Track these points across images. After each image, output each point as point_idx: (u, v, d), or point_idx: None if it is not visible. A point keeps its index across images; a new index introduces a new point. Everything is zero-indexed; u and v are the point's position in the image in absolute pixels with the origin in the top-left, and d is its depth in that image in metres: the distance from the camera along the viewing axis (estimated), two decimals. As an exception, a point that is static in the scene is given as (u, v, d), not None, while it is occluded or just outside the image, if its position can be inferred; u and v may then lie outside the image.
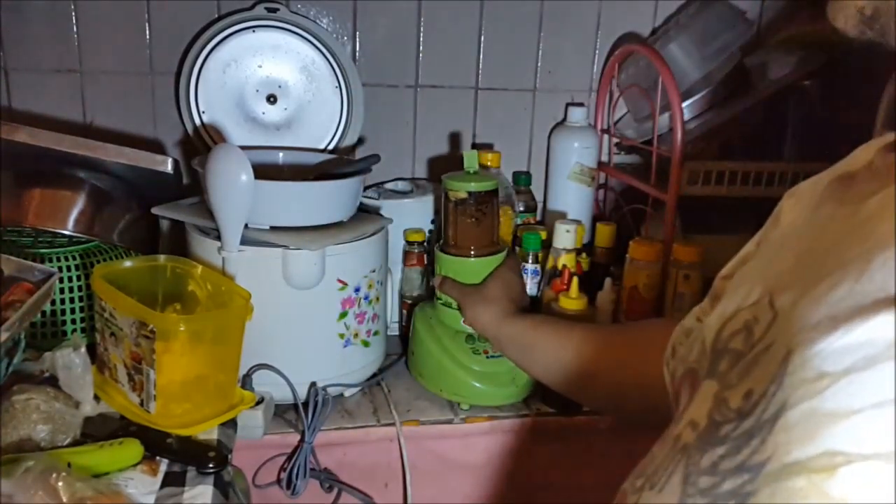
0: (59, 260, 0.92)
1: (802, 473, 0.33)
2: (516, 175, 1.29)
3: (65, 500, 0.58)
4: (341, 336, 0.94)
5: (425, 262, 1.10)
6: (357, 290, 0.94)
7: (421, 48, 1.26)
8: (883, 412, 0.31)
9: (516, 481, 0.98)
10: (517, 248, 1.11)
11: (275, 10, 1.15)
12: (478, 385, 0.95)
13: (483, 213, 0.94)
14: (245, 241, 0.89)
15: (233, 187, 0.86)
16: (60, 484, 0.59)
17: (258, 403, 0.86)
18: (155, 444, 0.74)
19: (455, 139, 1.31)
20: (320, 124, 1.19)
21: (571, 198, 1.27)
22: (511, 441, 0.97)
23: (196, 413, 0.80)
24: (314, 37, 1.16)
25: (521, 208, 1.23)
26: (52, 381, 0.78)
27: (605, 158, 1.32)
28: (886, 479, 0.30)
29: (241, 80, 1.15)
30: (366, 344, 0.97)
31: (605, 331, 0.85)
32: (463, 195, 0.94)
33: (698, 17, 1.20)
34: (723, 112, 1.15)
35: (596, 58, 1.32)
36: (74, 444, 0.73)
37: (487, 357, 0.96)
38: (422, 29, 1.25)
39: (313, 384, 0.92)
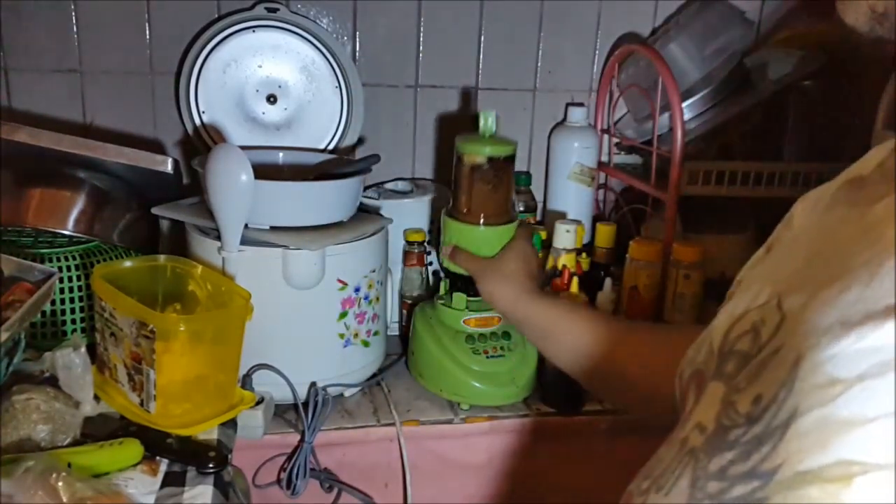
0: (59, 260, 0.92)
1: (816, 482, 0.32)
2: (516, 175, 1.29)
3: (65, 500, 0.58)
4: (341, 336, 0.94)
5: (425, 262, 1.10)
6: (357, 290, 0.94)
7: (421, 48, 1.26)
8: None
9: (516, 481, 0.98)
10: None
11: (275, 10, 1.15)
12: (478, 385, 0.95)
13: (500, 179, 0.90)
14: (245, 241, 0.89)
15: (233, 187, 0.86)
16: (60, 484, 0.59)
17: (258, 403, 0.86)
18: (155, 444, 0.74)
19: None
20: (320, 124, 1.19)
21: (571, 198, 1.27)
22: (511, 441, 0.97)
23: (196, 413, 0.80)
24: (314, 37, 1.16)
25: (521, 208, 1.23)
26: (52, 381, 0.78)
27: (605, 158, 1.32)
28: None
29: (241, 80, 1.15)
30: (366, 344, 0.97)
31: (642, 329, 0.81)
32: (480, 160, 0.88)
33: (698, 17, 1.20)
34: (723, 112, 1.15)
35: (596, 58, 1.32)
36: (74, 444, 0.73)
37: (487, 357, 0.96)
38: (422, 29, 1.25)
39: (313, 384, 0.92)
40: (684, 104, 1.11)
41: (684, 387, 0.49)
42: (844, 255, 0.38)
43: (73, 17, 1.14)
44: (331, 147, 1.19)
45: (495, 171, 0.89)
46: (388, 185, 1.20)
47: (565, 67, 1.32)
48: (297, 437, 0.91)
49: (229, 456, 0.77)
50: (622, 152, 1.33)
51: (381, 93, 1.26)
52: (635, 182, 1.21)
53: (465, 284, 0.95)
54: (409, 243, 1.09)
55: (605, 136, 1.31)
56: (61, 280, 0.91)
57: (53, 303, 0.91)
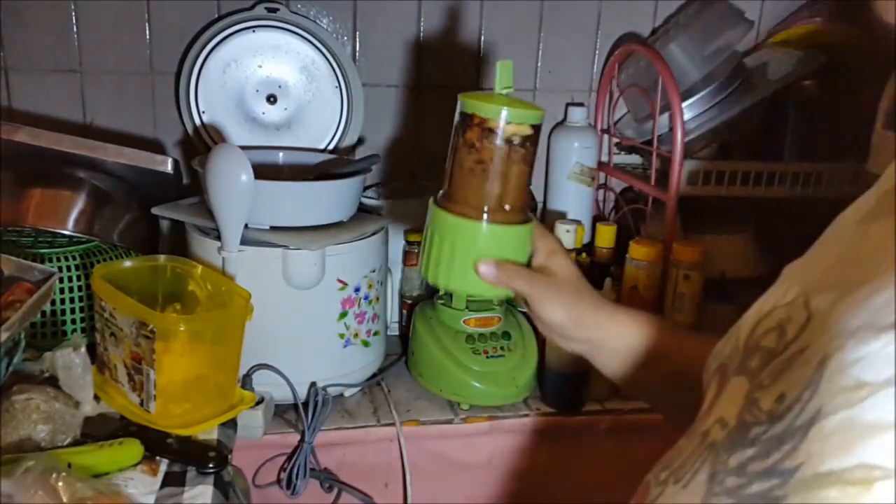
0: (59, 260, 0.92)
1: (836, 484, 0.32)
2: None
3: (65, 500, 0.58)
4: (341, 336, 0.94)
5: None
6: (357, 290, 0.94)
7: (421, 48, 1.26)
8: None
9: (516, 481, 0.98)
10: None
11: (275, 10, 1.15)
12: (478, 385, 0.95)
13: (526, 157, 0.64)
14: (245, 241, 0.89)
15: (233, 187, 0.86)
16: (60, 484, 0.59)
17: (258, 403, 0.86)
18: (155, 444, 0.74)
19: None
20: (320, 124, 1.19)
21: (571, 198, 1.27)
22: (511, 441, 0.97)
23: (196, 413, 0.80)
24: (314, 37, 1.16)
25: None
26: (52, 381, 0.78)
27: (605, 158, 1.32)
28: None
29: (241, 80, 1.15)
30: (366, 344, 0.97)
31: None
32: (511, 129, 0.62)
33: (698, 17, 1.20)
34: (723, 112, 1.15)
35: (596, 58, 1.32)
36: (74, 444, 0.73)
37: (487, 357, 0.96)
38: (422, 29, 1.25)
39: (313, 384, 0.92)
40: (684, 104, 1.11)
41: (708, 380, 0.49)
42: (875, 259, 0.38)
43: (73, 17, 1.14)
44: (331, 147, 1.19)
45: (524, 146, 0.63)
46: (388, 185, 1.20)
47: (565, 67, 1.32)
48: (297, 437, 0.91)
49: (229, 456, 0.77)
50: (622, 152, 1.33)
51: (381, 93, 1.26)
52: (635, 182, 1.21)
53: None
54: (409, 243, 1.09)
55: (605, 136, 1.31)
56: (61, 280, 0.91)
57: (53, 303, 0.91)
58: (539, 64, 1.31)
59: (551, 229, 1.06)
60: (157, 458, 0.74)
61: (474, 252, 0.64)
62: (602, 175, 1.33)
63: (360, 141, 1.23)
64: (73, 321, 0.93)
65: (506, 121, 0.62)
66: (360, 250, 0.94)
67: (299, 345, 0.92)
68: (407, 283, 1.10)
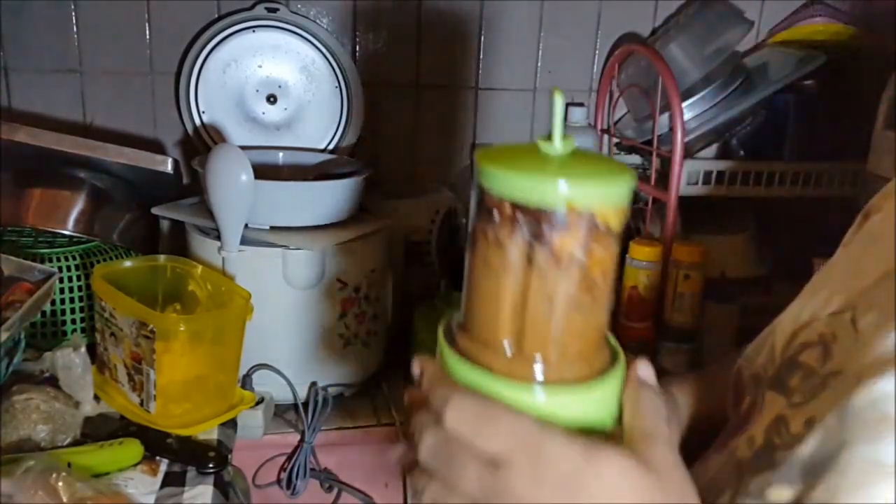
0: (59, 260, 0.92)
1: None
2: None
3: (65, 500, 0.58)
4: (341, 336, 0.94)
5: (424, 262, 1.10)
6: (357, 290, 0.94)
7: (421, 48, 1.26)
8: None
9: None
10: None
11: (275, 10, 1.15)
12: (478, 385, 0.94)
13: (605, 263, 0.37)
14: (245, 241, 0.89)
15: (233, 187, 0.86)
16: (60, 484, 0.59)
17: (258, 403, 0.86)
18: (155, 444, 0.74)
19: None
20: (320, 124, 1.19)
21: (571, 198, 1.27)
22: (511, 441, 0.97)
23: (196, 413, 0.80)
24: (314, 37, 1.16)
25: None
26: (52, 381, 0.78)
27: (605, 158, 1.32)
28: None
29: (241, 80, 1.15)
30: (366, 344, 0.97)
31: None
32: (563, 216, 0.35)
33: (698, 17, 1.20)
34: (723, 112, 1.15)
35: (596, 58, 1.32)
36: (74, 444, 0.73)
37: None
38: (422, 29, 1.25)
39: (313, 384, 0.92)
40: (684, 104, 1.11)
41: (741, 386, 0.45)
42: None
43: (73, 17, 1.14)
44: (331, 147, 1.19)
45: (608, 242, 0.37)
46: (388, 185, 1.20)
47: (565, 67, 1.32)
48: (297, 437, 0.91)
49: (229, 456, 0.77)
50: (622, 152, 1.33)
51: (381, 93, 1.26)
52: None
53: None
54: (409, 243, 1.09)
55: (605, 136, 1.31)
56: (61, 280, 0.91)
57: (53, 303, 0.91)
58: (539, 64, 1.31)
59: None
60: (157, 458, 0.74)
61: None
62: (602, 175, 1.32)
63: (360, 141, 1.23)
64: (73, 321, 0.93)
65: (588, 207, 0.35)
66: (360, 250, 0.94)
67: (299, 345, 0.92)
68: (407, 283, 1.10)
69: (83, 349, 0.79)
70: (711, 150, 1.22)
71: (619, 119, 1.31)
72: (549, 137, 0.37)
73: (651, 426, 0.38)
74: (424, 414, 0.37)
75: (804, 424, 0.35)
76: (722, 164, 1.11)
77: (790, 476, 0.35)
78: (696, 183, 1.10)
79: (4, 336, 0.71)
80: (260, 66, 1.16)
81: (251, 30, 1.14)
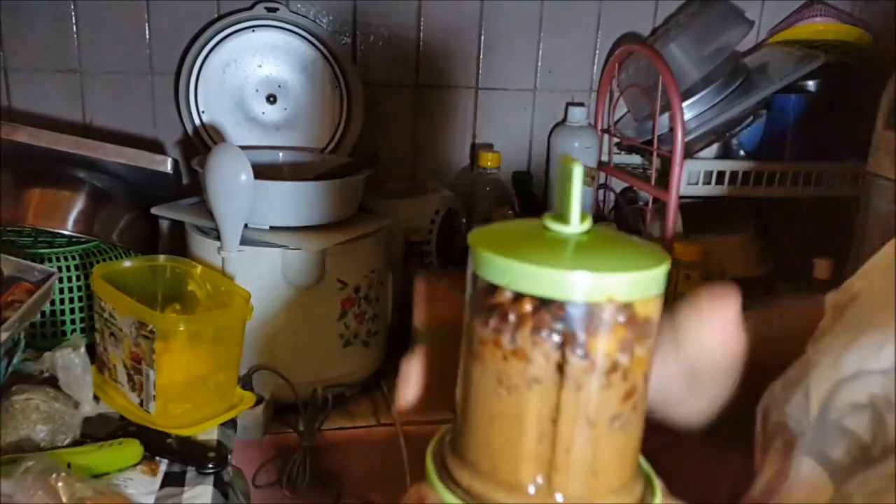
0: (58, 260, 0.92)
1: None
2: (516, 175, 1.29)
3: (65, 500, 0.58)
4: (341, 336, 0.94)
5: (424, 262, 1.09)
6: (357, 290, 0.94)
7: (421, 48, 1.26)
8: None
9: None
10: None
11: (275, 10, 1.15)
12: (478, 385, 0.94)
13: (636, 373, 0.30)
14: (245, 241, 0.89)
15: (233, 187, 0.86)
16: (60, 484, 0.59)
17: (258, 403, 0.86)
18: (154, 444, 0.74)
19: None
20: (320, 124, 1.19)
21: (571, 198, 1.27)
22: (511, 441, 0.97)
23: (196, 413, 0.80)
24: (314, 37, 1.16)
25: (511, 213, 1.23)
26: (52, 381, 0.78)
27: (605, 158, 1.32)
28: None
29: (240, 79, 1.15)
30: (366, 344, 0.97)
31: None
32: (586, 316, 0.28)
33: (698, 17, 1.20)
34: (723, 112, 1.15)
35: (596, 58, 1.32)
36: (74, 444, 0.73)
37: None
38: (422, 29, 1.25)
39: (313, 384, 0.92)
40: (684, 104, 1.11)
41: (768, 434, 0.39)
42: None
43: (73, 17, 1.14)
44: (331, 147, 1.19)
45: (639, 344, 0.30)
46: (388, 186, 1.20)
47: (565, 67, 1.32)
48: (297, 437, 0.91)
49: (229, 456, 0.77)
50: (622, 152, 1.33)
51: (381, 93, 1.26)
52: (635, 182, 1.21)
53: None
54: (409, 243, 1.09)
55: (605, 136, 1.31)
56: (61, 280, 0.91)
57: (53, 303, 0.91)
58: (539, 64, 1.30)
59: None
60: (157, 458, 0.74)
61: None
62: (602, 175, 1.32)
63: (360, 141, 1.23)
64: (73, 321, 0.93)
65: (629, 298, 0.29)
66: (360, 250, 0.94)
67: (299, 345, 0.92)
68: (406, 283, 1.10)
69: (83, 349, 0.78)
70: (711, 150, 1.22)
71: (620, 119, 1.31)
72: (559, 216, 0.30)
73: None
74: None
75: None
76: (722, 164, 1.11)
77: None
78: (697, 183, 1.10)
79: (4, 336, 0.71)
80: (259, 66, 1.16)
81: (251, 30, 1.14)
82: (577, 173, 0.29)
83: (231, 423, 0.83)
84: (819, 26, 1.25)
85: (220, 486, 0.72)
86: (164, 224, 1.08)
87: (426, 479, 0.34)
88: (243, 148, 0.88)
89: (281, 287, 0.89)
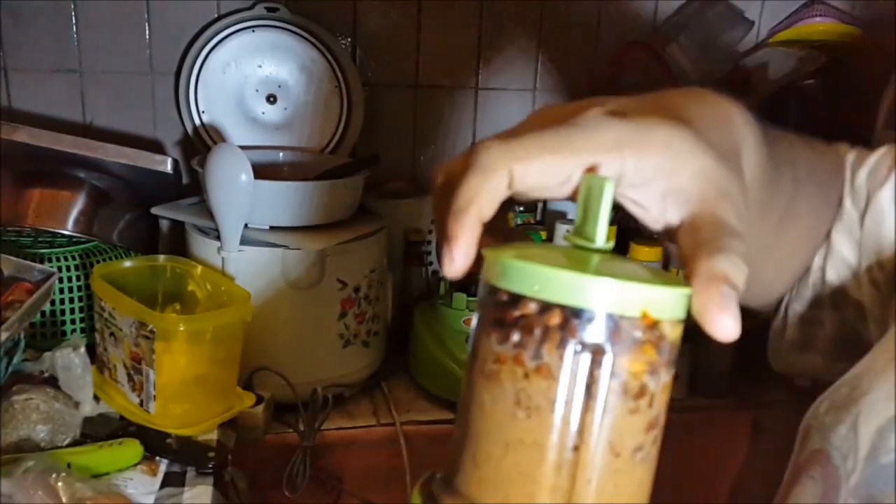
0: (58, 260, 0.92)
1: None
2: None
3: (64, 500, 0.58)
4: (341, 336, 0.94)
5: (425, 262, 1.10)
6: (357, 290, 0.94)
7: (421, 48, 1.26)
8: None
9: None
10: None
11: (275, 10, 1.15)
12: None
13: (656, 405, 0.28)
14: (245, 241, 0.89)
15: (233, 187, 0.86)
16: (60, 484, 0.59)
17: (258, 403, 0.86)
18: (154, 444, 0.74)
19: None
20: (320, 124, 1.18)
21: (571, 198, 1.27)
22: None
23: (196, 413, 0.80)
24: (314, 37, 1.16)
25: (521, 208, 1.23)
26: (52, 381, 0.78)
27: (605, 158, 1.32)
28: None
29: (240, 80, 1.15)
30: (366, 344, 0.97)
31: None
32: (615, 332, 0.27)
33: (698, 17, 1.20)
34: (723, 112, 1.15)
35: (596, 58, 1.32)
36: (74, 444, 0.73)
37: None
38: (422, 29, 1.25)
39: (313, 384, 0.92)
40: (684, 104, 1.11)
41: (804, 457, 0.36)
42: None
43: (73, 17, 1.14)
44: (331, 147, 1.19)
45: (668, 365, 0.28)
46: (388, 186, 1.20)
47: (565, 67, 1.31)
48: (297, 437, 0.91)
49: (229, 456, 0.77)
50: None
51: (381, 93, 1.26)
52: (635, 182, 1.21)
53: (465, 284, 0.94)
54: (409, 243, 1.09)
55: (605, 136, 1.31)
56: (61, 280, 0.91)
57: (53, 303, 0.91)
58: (539, 64, 1.30)
59: (551, 229, 1.06)
60: (157, 458, 0.74)
61: None
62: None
63: (360, 141, 1.23)
64: (73, 321, 0.93)
65: (659, 315, 0.27)
66: (360, 250, 0.94)
67: (299, 345, 0.92)
68: (407, 283, 1.10)
69: (83, 349, 0.79)
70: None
71: (619, 119, 1.31)
72: (582, 233, 0.29)
73: None
74: None
75: None
76: (722, 164, 1.10)
77: None
78: (696, 183, 1.09)
79: (4, 336, 0.71)
80: (259, 66, 1.16)
81: (251, 29, 1.14)
82: (609, 191, 0.28)
83: (231, 423, 0.83)
84: (819, 26, 1.25)
85: (221, 486, 0.72)
86: (164, 224, 1.08)
87: None
88: (243, 148, 0.88)
89: (281, 287, 0.89)
